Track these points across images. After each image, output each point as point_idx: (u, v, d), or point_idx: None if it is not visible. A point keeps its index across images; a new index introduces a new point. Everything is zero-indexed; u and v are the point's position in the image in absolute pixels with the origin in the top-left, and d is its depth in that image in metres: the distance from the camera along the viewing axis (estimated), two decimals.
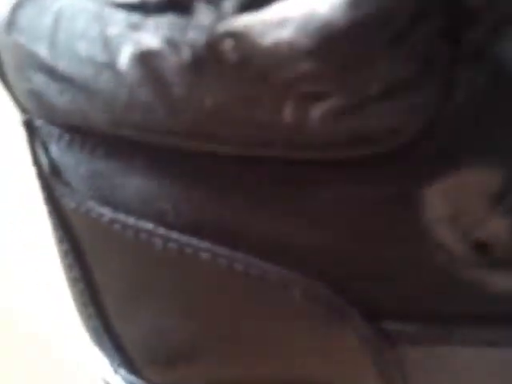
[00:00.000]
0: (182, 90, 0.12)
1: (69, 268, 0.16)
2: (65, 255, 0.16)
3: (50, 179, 0.15)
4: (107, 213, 0.15)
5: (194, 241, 0.14)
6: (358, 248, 0.13)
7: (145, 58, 0.12)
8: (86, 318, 0.16)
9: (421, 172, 0.12)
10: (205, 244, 0.14)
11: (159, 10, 0.12)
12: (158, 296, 0.15)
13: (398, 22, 0.11)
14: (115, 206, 0.15)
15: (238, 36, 0.11)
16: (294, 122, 0.12)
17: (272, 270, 0.14)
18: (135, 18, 0.12)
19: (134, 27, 0.12)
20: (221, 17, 0.12)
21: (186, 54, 0.12)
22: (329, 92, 0.12)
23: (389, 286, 0.13)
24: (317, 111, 0.12)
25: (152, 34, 0.12)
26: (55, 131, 0.15)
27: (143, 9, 0.12)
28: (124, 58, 0.12)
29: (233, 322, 0.15)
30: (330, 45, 0.11)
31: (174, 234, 0.14)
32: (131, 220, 0.15)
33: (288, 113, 0.12)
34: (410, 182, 0.12)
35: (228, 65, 0.12)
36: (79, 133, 0.15)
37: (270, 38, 0.11)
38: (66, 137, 0.15)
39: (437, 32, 0.11)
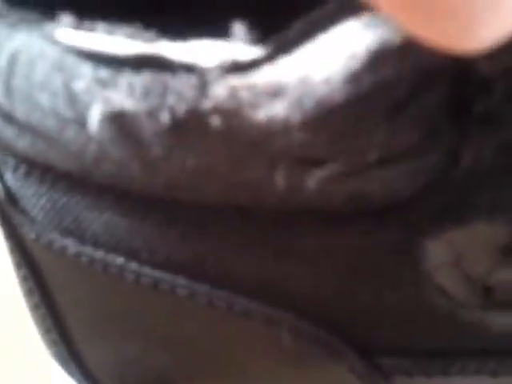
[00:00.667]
0: (160, 151, 0.12)
1: (29, 293, 0.16)
2: (24, 280, 0.16)
3: (6, 207, 0.15)
4: (72, 245, 0.14)
5: (170, 277, 0.14)
6: (354, 291, 0.14)
7: (118, 119, 0.11)
8: (50, 344, 0.16)
9: (422, 225, 0.12)
10: (182, 281, 0.14)
11: (132, 66, 0.11)
12: (129, 326, 0.15)
13: (396, 94, 0.11)
14: (81, 239, 0.14)
15: (226, 113, 0.11)
16: (287, 188, 0.12)
17: (257, 308, 0.14)
18: (104, 73, 0.11)
19: (104, 84, 0.11)
20: (204, 86, 0.11)
21: (164, 118, 0.11)
22: (324, 159, 0.11)
23: (386, 327, 0.14)
24: (312, 178, 0.11)
25: (125, 94, 0.11)
26: (11, 161, 0.14)
27: (112, 63, 0.11)
28: (94, 116, 0.11)
29: (212, 356, 0.15)
30: (325, 119, 0.11)
31: (147, 270, 0.14)
32: (99, 254, 0.14)
33: (281, 178, 0.11)
34: (409, 233, 0.12)
35: (213, 134, 0.11)
36: (38, 167, 0.14)
37: (262, 113, 0.11)
38: (23, 168, 0.14)
39: (443, 101, 0.11)
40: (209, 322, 0.14)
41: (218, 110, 0.10)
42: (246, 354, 0.15)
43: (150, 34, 0.13)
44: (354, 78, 0.10)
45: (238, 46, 0.12)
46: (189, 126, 0.11)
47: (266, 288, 0.14)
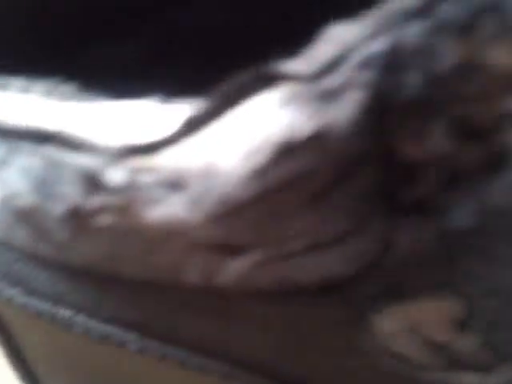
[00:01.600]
0: (66, 236, 0.11)
1: None
2: None
3: None
4: (19, 296, 0.15)
5: (120, 332, 0.14)
6: (305, 356, 0.13)
7: (15, 203, 0.11)
8: (19, 378, 0.17)
9: (365, 303, 0.12)
10: (132, 336, 0.14)
11: (32, 141, 0.11)
12: (82, 376, 0.15)
13: (314, 182, 0.10)
14: (27, 291, 0.14)
15: (117, 210, 0.10)
16: (204, 275, 0.11)
17: (212, 364, 0.14)
18: (1, 151, 0.11)
19: (1, 164, 0.11)
20: (101, 172, 0.10)
21: (60, 208, 0.11)
22: (245, 247, 0.11)
23: None
24: (230, 269, 0.11)
25: (19, 176, 0.11)
26: None
27: (12, 136, 0.11)
28: None
29: None
30: (232, 216, 0.10)
31: (95, 324, 0.14)
32: (46, 306, 0.14)
33: (192, 273, 0.11)
34: (353, 309, 0.12)
35: (109, 229, 0.11)
36: None
37: (158, 212, 0.10)
38: None
39: (370, 188, 0.10)
40: (162, 375, 0.14)
41: (108, 207, 0.10)
42: None
43: (69, 88, 0.12)
44: (259, 172, 0.09)
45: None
46: (84, 218, 0.10)
47: (218, 346, 0.14)
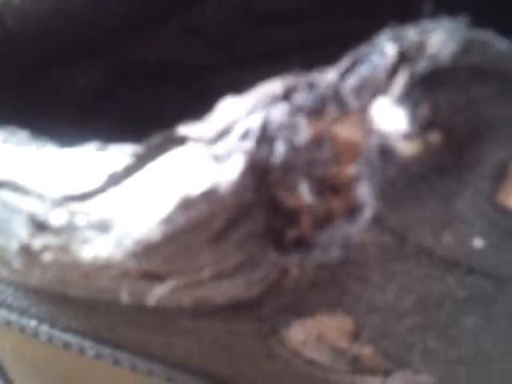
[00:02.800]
0: (20, 266, 0.15)
1: None
2: None
3: None
4: None
5: (78, 339, 0.18)
6: (233, 362, 0.17)
7: None
8: None
9: (272, 318, 0.16)
10: (88, 344, 0.18)
11: None
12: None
13: (214, 226, 0.14)
14: None
15: (58, 249, 0.14)
16: (133, 298, 0.15)
17: (157, 368, 0.18)
18: None
19: None
20: (46, 215, 0.14)
21: (14, 244, 0.15)
22: (165, 275, 0.15)
23: None
24: (155, 291, 0.15)
25: None
26: None
27: None
28: None
29: None
30: (148, 254, 0.14)
31: (57, 332, 0.18)
32: (14, 317, 0.19)
33: (125, 295, 0.15)
34: (263, 324, 0.16)
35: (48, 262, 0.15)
36: None
37: (89, 251, 0.14)
38: None
39: (260, 229, 0.14)
40: (116, 378, 0.18)
41: (48, 246, 0.14)
42: None
43: (22, 135, 0.16)
44: (167, 219, 0.13)
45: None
46: (32, 254, 0.14)
47: (161, 352, 0.18)
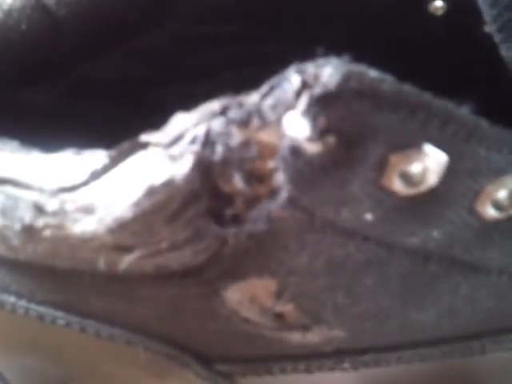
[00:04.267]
0: (17, 243, 0.23)
1: None
2: None
3: None
4: None
5: (51, 311, 0.26)
6: (184, 323, 0.25)
7: None
8: None
9: (214, 282, 0.24)
10: (60, 314, 0.26)
11: None
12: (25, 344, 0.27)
13: (171, 208, 0.21)
14: None
15: (55, 227, 0.22)
16: (108, 266, 0.23)
17: (119, 333, 0.26)
18: None
19: None
20: (42, 204, 0.22)
21: (17, 226, 0.22)
22: (133, 246, 0.22)
23: (216, 344, 0.26)
24: (125, 259, 0.22)
25: None
26: None
27: None
28: None
29: (84, 368, 0.27)
30: (122, 229, 0.22)
31: (33, 306, 0.26)
32: None
33: (102, 260, 0.23)
34: (207, 287, 0.24)
35: (50, 238, 0.22)
36: None
37: (79, 227, 0.22)
38: None
39: (205, 209, 0.22)
40: (82, 344, 0.26)
41: (49, 224, 0.21)
42: (113, 367, 0.26)
43: (13, 144, 0.23)
44: (136, 202, 0.21)
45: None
46: (33, 231, 0.22)
47: (121, 319, 0.25)
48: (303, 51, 0.23)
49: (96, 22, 0.28)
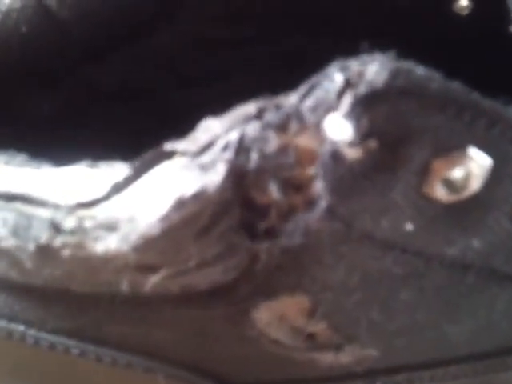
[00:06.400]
0: (31, 266, 0.21)
1: None
2: None
3: None
4: None
5: (63, 339, 0.24)
6: (209, 347, 0.23)
7: None
8: None
9: (243, 301, 0.22)
10: (73, 343, 0.24)
11: (5, 199, 0.21)
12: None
13: (201, 221, 0.20)
14: None
15: (74, 246, 0.20)
16: (131, 288, 0.21)
17: (137, 360, 0.24)
18: None
19: None
20: (60, 220, 0.20)
21: (31, 247, 0.20)
22: (159, 265, 0.21)
23: (238, 370, 0.24)
24: (150, 280, 0.21)
25: (1, 225, 0.20)
26: None
27: None
28: None
29: None
30: (148, 246, 0.20)
31: (44, 335, 0.24)
32: (3, 323, 0.24)
33: (125, 282, 0.21)
34: (236, 307, 0.22)
35: (67, 259, 0.20)
36: None
37: (101, 246, 0.20)
38: None
39: (237, 222, 0.20)
40: (99, 374, 0.24)
41: (67, 244, 0.20)
42: None
43: (21, 158, 0.22)
44: (164, 217, 0.19)
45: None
46: (49, 252, 0.20)
47: (141, 345, 0.24)
48: (320, 52, 0.22)
49: (102, 23, 0.26)
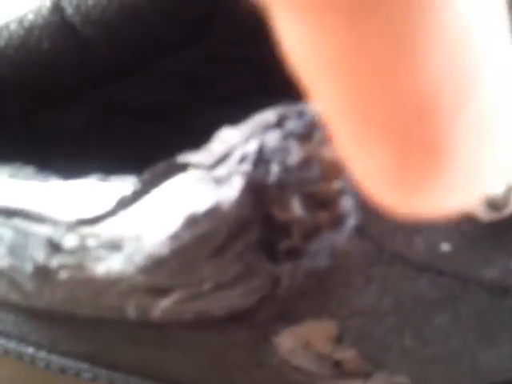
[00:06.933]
0: (31, 288, 0.17)
1: None
2: None
3: None
4: None
5: (75, 363, 0.20)
6: (226, 372, 0.19)
7: None
8: None
9: (264, 326, 0.18)
10: (85, 366, 0.20)
11: (4, 215, 0.17)
12: None
13: (216, 240, 0.16)
14: None
15: (73, 267, 0.16)
16: (138, 313, 0.17)
17: None
18: None
19: None
20: (58, 238, 0.16)
21: (29, 267, 0.16)
22: (170, 288, 0.17)
23: None
24: (160, 305, 0.17)
25: None
26: None
27: None
28: None
29: None
30: (156, 268, 0.16)
31: (55, 357, 0.20)
32: (12, 344, 0.20)
33: (132, 306, 0.17)
34: (256, 332, 0.18)
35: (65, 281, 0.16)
36: None
37: (103, 267, 0.16)
38: None
39: (256, 242, 0.16)
40: None
41: (65, 264, 0.16)
42: None
43: (28, 170, 0.18)
44: (174, 235, 0.15)
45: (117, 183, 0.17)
46: (47, 274, 0.16)
47: (156, 370, 0.19)
48: None
49: (126, 41, 0.23)
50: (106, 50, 0.22)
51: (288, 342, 0.19)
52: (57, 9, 0.22)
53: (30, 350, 0.21)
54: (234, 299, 0.18)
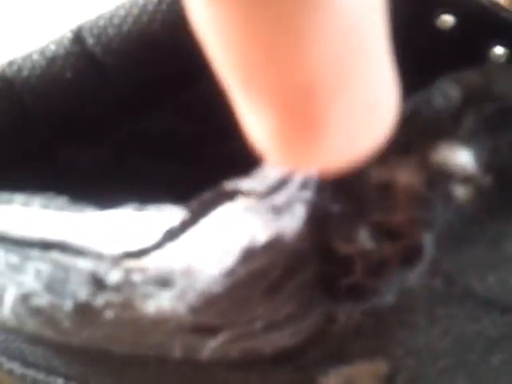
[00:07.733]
0: (69, 325, 0.13)
1: None
2: None
3: None
4: (17, 368, 0.16)
5: None
6: None
7: (28, 300, 0.12)
8: None
9: (312, 366, 0.14)
10: None
11: (41, 247, 0.12)
12: None
13: (270, 278, 0.12)
14: (25, 364, 0.16)
15: (120, 305, 0.12)
16: (183, 357, 0.13)
17: None
18: (14, 259, 0.12)
19: (15, 269, 0.12)
20: (102, 275, 0.12)
21: (68, 305, 0.12)
22: (219, 328, 0.12)
23: None
24: (208, 345, 0.12)
25: (33, 278, 0.12)
26: None
27: (21, 246, 0.12)
28: (8, 300, 0.12)
29: None
30: (208, 306, 0.12)
31: None
32: (41, 376, 0.16)
33: (178, 350, 0.13)
34: (303, 372, 0.14)
35: (110, 321, 0.12)
36: None
37: (152, 305, 0.12)
38: None
39: (314, 278, 0.12)
40: None
41: (111, 303, 0.11)
42: None
43: (61, 201, 0.14)
44: (229, 271, 0.11)
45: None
46: (90, 312, 0.12)
47: None
48: None
49: (146, 71, 0.19)
50: (127, 79, 0.19)
51: (333, 381, 0.15)
52: (78, 39, 0.18)
53: (60, 381, 0.17)
54: (283, 338, 0.13)
